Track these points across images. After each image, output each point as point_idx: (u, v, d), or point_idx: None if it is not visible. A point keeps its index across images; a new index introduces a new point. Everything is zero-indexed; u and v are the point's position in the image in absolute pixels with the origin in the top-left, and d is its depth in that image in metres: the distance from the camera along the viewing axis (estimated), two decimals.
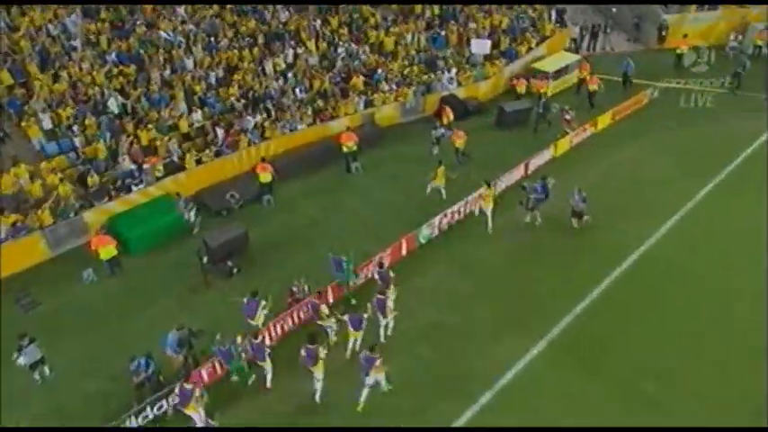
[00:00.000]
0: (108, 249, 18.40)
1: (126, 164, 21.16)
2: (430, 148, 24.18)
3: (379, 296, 15.71)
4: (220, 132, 22.77)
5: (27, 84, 22.62)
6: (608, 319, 16.59)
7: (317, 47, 27.54)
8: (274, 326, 16.00)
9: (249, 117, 23.45)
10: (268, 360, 14.83)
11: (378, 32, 28.63)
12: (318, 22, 28.48)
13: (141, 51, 24.70)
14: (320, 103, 25.16)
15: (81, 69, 23.42)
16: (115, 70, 23.78)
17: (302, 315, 16.58)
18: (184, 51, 25.32)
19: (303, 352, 14.17)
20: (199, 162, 22.11)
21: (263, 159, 22.10)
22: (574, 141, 24.14)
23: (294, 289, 16.81)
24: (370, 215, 21.03)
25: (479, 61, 28.51)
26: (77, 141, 21.83)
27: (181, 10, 27.12)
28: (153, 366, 14.59)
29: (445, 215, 19.89)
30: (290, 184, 22.67)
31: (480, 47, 28.38)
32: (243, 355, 14.71)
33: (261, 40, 27.00)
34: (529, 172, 22.50)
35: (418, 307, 17.07)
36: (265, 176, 21.71)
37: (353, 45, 27.80)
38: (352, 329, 15.36)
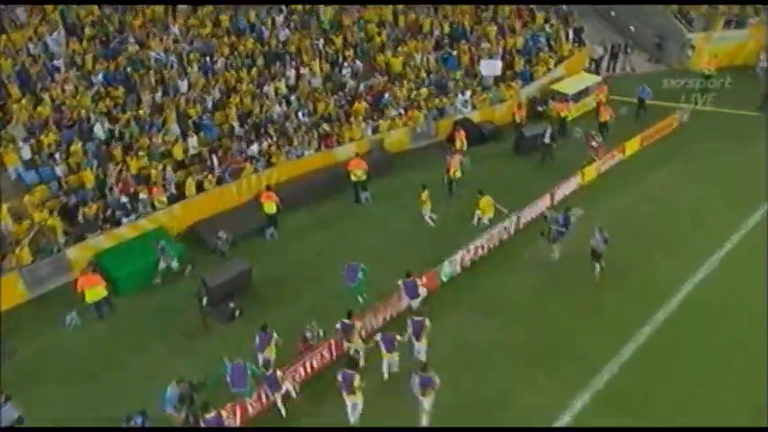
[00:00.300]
0: (96, 291, 17.15)
1: (116, 194, 19.41)
2: (444, 175, 22.64)
3: (415, 318, 15.04)
4: (215, 159, 21.16)
5: (5, 107, 21.19)
6: (650, 369, 15.49)
7: (321, 68, 26.10)
8: (285, 374, 14.43)
9: (254, 144, 21.91)
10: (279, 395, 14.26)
11: (384, 53, 27.25)
12: (321, 41, 27.11)
13: (130, 71, 23.44)
14: (325, 127, 23.67)
15: (64, 91, 21.96)
16: (102, 92, 22.53)
17: (315, 364, 14.89)
18: (178, 72, 23.75)
19: (340, 377, 13.64)
20: (200, 189, 20.83)
21: (269, 187, 20.88)
22: (601, 169, 22.66)
23: (308, 335, 15.26)
24: (383, 248, 19.85)
25: (490, 83, 27.12)
26: (59, 170, 20.25)
27: (175, 28, 25.72)
28: (149, 424, 12.97)
29: (468, 251, 18.43)
30: (296, 214, 21.56)
31: (490, 68, 27.38)
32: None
33: (260, 60, 25.53)
34: (555, 202, 21.09)
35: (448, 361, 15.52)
36: (270, 207, 20.59)
37: (359, 63, 26.42)
38: (384, 351, 14.82)
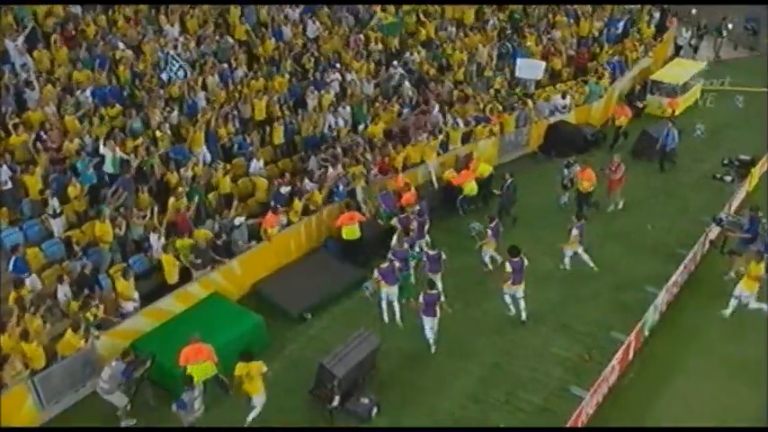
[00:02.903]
0: (204, 367, 12.48)
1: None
2: (560, 196, 19.04)
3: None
4: (284, 190, 16.66)
5: None
6: None
7: (368, 70, 22.08)
8: None
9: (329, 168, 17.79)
10: None
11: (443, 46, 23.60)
12: (361, 36, 23.17)
13: (132, 84, 19.00)
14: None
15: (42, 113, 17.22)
16: (102, 112, 17.88)
17: None
18: (193, 83, 19.21)
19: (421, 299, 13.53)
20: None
21: (348, 206, 17.31)
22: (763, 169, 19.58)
23: None
24: (540, 300, 15.50)
25: (531, 90, 23.57)
26: (56, 225, 15.16)
27: (174, 29, 21.06)
28: None
29: (666, 290, 14.67)
30: None
31: (529, 69, 23.46)
32: None
33: (287, 63, 21.33)
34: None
35: None
36: (351, 231, 16.62)
37: (415, 55, 22.87)
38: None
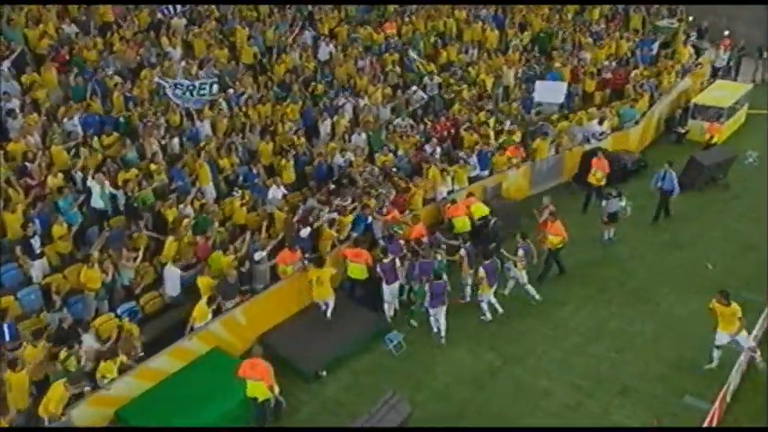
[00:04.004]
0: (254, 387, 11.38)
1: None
2: (602, 232, 16.83)
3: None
4: (304, 233, 14.58)
5: None
6: None
7: (383, 94, 20.08)
8: None
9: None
10: None
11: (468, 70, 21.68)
12: (374, 58, 21.32)
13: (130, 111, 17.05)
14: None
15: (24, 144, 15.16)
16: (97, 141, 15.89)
17: None
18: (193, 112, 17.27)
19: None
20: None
21: (357, 242, 15.01)
22: None
23: None
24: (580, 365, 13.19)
25: (554, 111, 21.10)
26: (35, 269, 13.05)
27: (176, 53, 19.14)
28: None
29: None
30: None
31: (549, 93, 20.79)
32: None
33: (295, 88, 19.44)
34: None
35: None
36: (358, 270, 14.38)
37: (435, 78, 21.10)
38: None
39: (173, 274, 13.39)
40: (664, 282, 15.31)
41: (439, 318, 13.62)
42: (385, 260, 14.00)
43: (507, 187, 18.34)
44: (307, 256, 14.36)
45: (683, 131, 21.39)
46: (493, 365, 13.02)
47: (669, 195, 17.23)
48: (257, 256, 13.85)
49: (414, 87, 20.68)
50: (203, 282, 13.25)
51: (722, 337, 12.10)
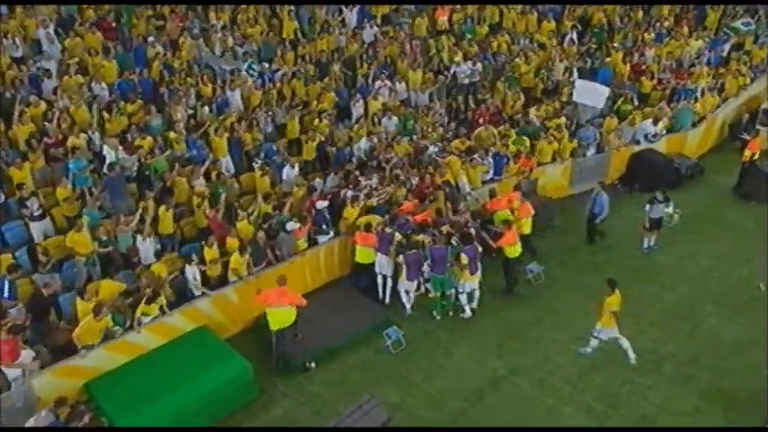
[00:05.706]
0: (284, 313, 11.02)
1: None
2: (642, 239, 14.75)
3: None
4: (321, 205, 13.37)
5: None
6: None
7: (424, 80, 18.36)
8: None
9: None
10: None
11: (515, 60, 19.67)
12: (417, 42, 19.53)
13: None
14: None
15: (51, 107, 14.35)
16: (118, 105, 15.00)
17: None
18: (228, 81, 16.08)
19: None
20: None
21: (368, 227, 13.15)
22: None
23: None
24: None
25: (597, 115, 18.33)
26: (36, 228, 12.20)
27: (219, 23, 18.15)
28: None
29: None
30: None
31: (589, 95, 17.43)
32: None
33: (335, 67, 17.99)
34: None
35: None
36: (365, 254, 12.91)
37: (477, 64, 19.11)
38: None
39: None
40: (707, 299, 13.13)
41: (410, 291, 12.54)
42: (387, 229, 12.68)
43: (544, 184, 16.34)
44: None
45: (748, 138, 18.66)
46: (497, 375, 11.27)
47: (595, 218, 14.77)
48: (289, 226, 12.78)
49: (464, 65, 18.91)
50: (231, 242, 12.28)
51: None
